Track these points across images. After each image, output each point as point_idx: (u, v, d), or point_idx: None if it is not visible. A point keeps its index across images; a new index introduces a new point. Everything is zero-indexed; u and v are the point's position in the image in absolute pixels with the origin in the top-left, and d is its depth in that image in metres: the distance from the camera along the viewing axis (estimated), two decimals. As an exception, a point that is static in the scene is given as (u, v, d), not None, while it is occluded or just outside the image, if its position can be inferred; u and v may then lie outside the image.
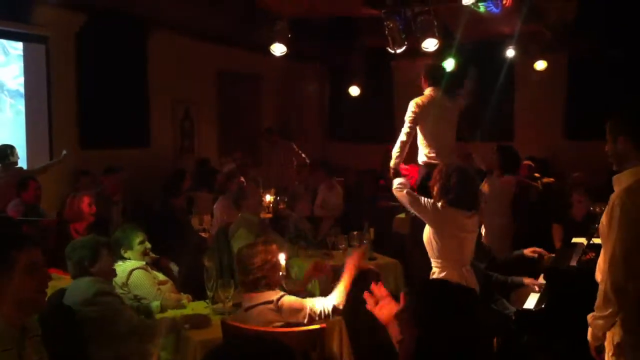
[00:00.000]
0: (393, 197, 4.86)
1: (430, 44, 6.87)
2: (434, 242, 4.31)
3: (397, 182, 4.55)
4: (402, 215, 7.76)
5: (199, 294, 4.63)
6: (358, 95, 10.59)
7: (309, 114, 13.16)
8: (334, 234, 6.25)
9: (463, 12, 7.53)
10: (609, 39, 9.41)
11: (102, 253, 3.86)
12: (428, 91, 6.24)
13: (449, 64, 9.50)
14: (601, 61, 9.94)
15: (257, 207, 6.03)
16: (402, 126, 6.32)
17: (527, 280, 4.92)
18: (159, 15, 8.76)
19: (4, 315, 2.51)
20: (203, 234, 7.20)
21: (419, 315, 2.14)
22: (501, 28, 9.06)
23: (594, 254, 4.56)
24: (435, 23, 6.81)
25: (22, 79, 8.00)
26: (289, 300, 3.65)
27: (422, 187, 5.60)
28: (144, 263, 4.58)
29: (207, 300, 4.38)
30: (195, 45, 9.94)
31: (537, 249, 5.30)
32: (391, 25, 6.90)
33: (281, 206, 7.78)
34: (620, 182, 3.13)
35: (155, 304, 4.34)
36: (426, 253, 4.43)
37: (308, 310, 3.63)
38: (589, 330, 3.21)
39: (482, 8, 7.14)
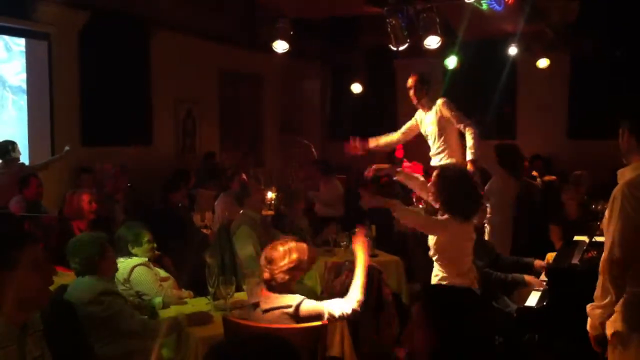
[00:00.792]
0: (394, 196, 4.87)
1: (432, 42, 6.86)
2: (443, 252, 4.26)
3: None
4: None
5: (200, 291, 4.64)
6: (360, 94, 10.58)
7: (311, 112, 13.16)
8: (335, 231, 6.25)
9: (465, 10, 7.53)
10: (611, 39, 9.42)
11: (108, 250, 3.89)
12: (425, 101, 6.36)
13: (452, 62, 9.51)
14: (603, 60, 9.94)
15: (260, 204, 6.03)
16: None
17: (528, 278, 4.90)
18: (162, 15, 8.77)
19: (5, 313, 2.51)
20: (205, 231, 7.20)
21: (432, 321, 2.15)
22: (504, 26, 9.06)
23: (595, 252, 4.57)
24: (438, 20, 6.81)
25: (24, 75, 8.00)
26: (308, 307, 3.53)
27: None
28: (146, 259, 4.58)
29: (209, 297, 4.38)
30: (197, 44, 9.94)
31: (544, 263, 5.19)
32: (393, 22, 6.90)
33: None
34: (624, 176, 3.17)
35: (158, 300, 4.34)
36: (427, 250, 4.42)
37: (327, 316, 3.52)
38: (589, 320, 3.23)
39: (484, 6, 7.13)
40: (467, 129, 6.16)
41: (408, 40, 7.04)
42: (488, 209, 6.69)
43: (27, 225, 6.02)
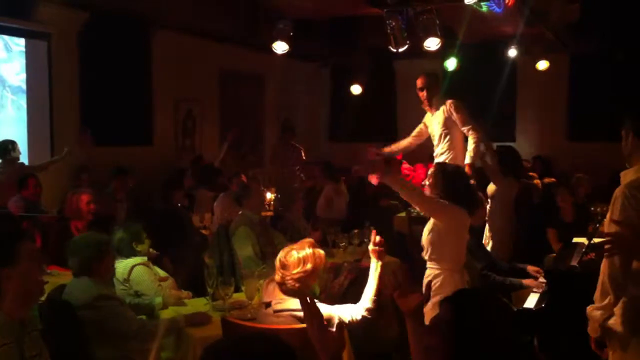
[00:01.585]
0: (394, 196, 4.86)
1: (432, 43, 6.87)
2: (440, 242, 4.22)
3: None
4: (403, 214, 7.77)
5: (199, 291, 4.64)
6: (360, 95, 10.59)
7: (311, 113, 13.17)
8: (335, 232, 6.25)
9: (465, 12, 7.53)
10: (611, 40, 9.42)
11: (108, 253, 3.87)
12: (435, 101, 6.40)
13: (451, 64, 9.51)
14: (603, 62, 9.95)
15: (259, 205, 6.04)
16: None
17: (526, 282, 4.90)
18: (162, 14, 8.77)
19: (4, 309, 2.52)
20: (204, 232, 7.21)
21: (458, 326, 2.15)
22: (503, 28, 9.06)
23: (594, 255, 4.57)
24: (438, 22, 6.81)
25: (24, 75, 7.99)
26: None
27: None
28: (146, 259, 4.58)
29: (207, 297, 4.38)
30: (197, 44, 9.94)
31: (539, 270, 5.13)
32: (393, 24, 6.91)
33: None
34: (626, 178, 3.17)
35: (158, 300, 4.34)
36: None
37: (336, 321, 3.46)
38: (589, 322, 3.23)
39: (484, 8, 7.14)
40: (470, 132, 6.18)
41: (408, 42, 7.05)
42: (487, 211, 6.70)
43: (25, 225, 6.03)
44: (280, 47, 7.20)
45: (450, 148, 6.43)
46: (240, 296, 4.41)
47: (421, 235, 4.44)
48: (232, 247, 5.55)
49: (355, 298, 3.72)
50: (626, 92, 9.60)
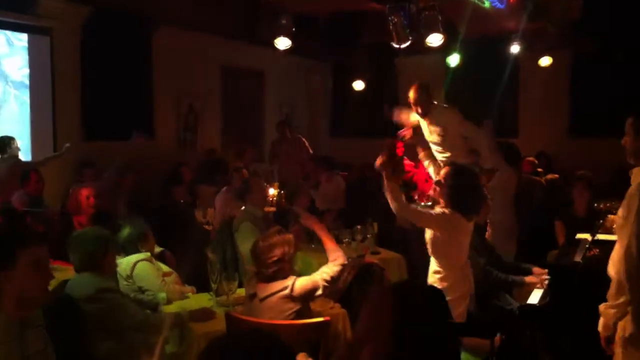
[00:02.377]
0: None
1: (435, 40, 6.86)
2: (439, 247, 4.19)
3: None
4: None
5: (202, 286, 4.64)
6: (361, 91, 10.57)
7: (312, 109, 13.16)
8: (337, 228, 6.25)
9: (468, 8, 7.52)
10: (613, 37, 9.40)
11: (110, 247, 3.85)
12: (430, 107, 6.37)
13: (454, 60, 9.50)
14: (605, 59, 9.94)
15: (262, 201, 6.04)
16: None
17: (529, 279, 4.89)
18: (164, 10, 8.75)
19: (4, 309, 2.51)
20: (206, 227, 7.21)
21: (394, 318, 2.12)
22: (506, 24, 9.05)
23: (598, 250, 4.57)
24: (440, 18, 6.80)
25: (26, 71, 7.99)
26: (302, 283, 3.70)
27: None
28: (149, 255, 4.58)
29: (211, 293, 4.39)
30: (199, 39, 9.93)
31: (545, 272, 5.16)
32: (395, 20, 6.89)
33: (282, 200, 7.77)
34: (638, 175, 3.15)
35: (162, 295, 4.35)
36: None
37: (321, 283, 3.71)
38: (600, 319, 3.21)
39: (487, 4, 7.13)
40: (480, 141, 6.19)
41: (410, 38, 7.03)
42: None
43: (28, 220, 6.03)
44: (282, 43, 7.18)
45: (451, 150, 6.40)
46: (243, 291, 4.42)
47: (423, 231, 4.43)
48: (235, 242, 5.56)
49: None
50: (628, 90, 9.60)
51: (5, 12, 7.38)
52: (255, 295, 3.75)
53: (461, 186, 4.12)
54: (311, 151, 10.34)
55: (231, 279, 4.22)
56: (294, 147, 10.44)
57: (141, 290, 4.41)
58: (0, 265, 2.51)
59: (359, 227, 6.05)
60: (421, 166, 7.63)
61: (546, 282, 4.72)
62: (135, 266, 4.44)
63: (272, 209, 7.50)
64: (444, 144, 6.30)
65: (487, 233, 6.10)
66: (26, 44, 7.97)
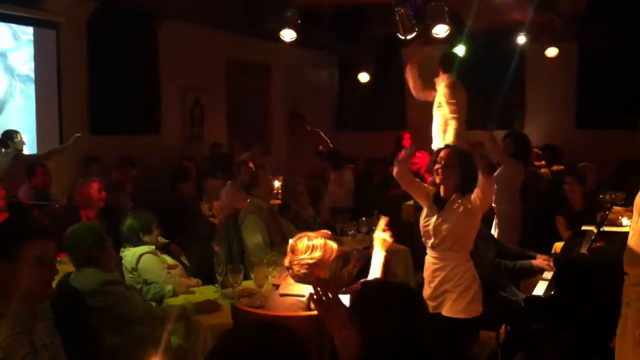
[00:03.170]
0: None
1: (441, 31, 6.83)
2: (454, 233, 4.14)
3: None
4: (411, 203, 7.76)
5: (208, 279, 4.65)
6: (367, 83, 10.56)
7: (318, 102, 13.15)
8: (343, 221, 6.25)
9: (474, -1, 7.51)
10: (620, 29, 9.36)
11: (106, 241, 3.82)
12: (448, 78, 6.40)
13: (460, 51, 9.46)
14: (612, 51, 9.90)
15: (268, 194, 6.04)
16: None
17: (536, 262, 4.89)
18: (169, 4, 8.76)
19: (13, 301, 2.52)
20: (212, 220, 7.22)
21: (362, 317, 2.11)
22: (512, 15, 9.01)
23: (603, 242, 4.56)
24: (446, 9, 6.77)
25: (32, 64, 8.00)
26: None
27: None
28: (154, 247, 4.59)
29: (217, 285, 4.40)
30: (205, 33, 9.93)
31: (548, 258, 5.06)
32: (401, 11, 6.86)
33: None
34: None
35: (169, 287, 4.36)
36: None
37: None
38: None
39: (493, -5, 7.11)
40: (453, 121, 6.36)
41: (416, 29, 7.00)
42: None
43: (35, 214, 6.05)
44: (288, 35, 7.16)
45: (442, 123, 6.50)
46: (249, 284, 4.43)
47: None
48: (241, 235, 5.56)
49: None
50: (634, 82, 9.56)
51: (12, 6, 7.38)
52: (277, 287, 3.67)
53: (465, 165, 4.12)
54: (331, 145, 10.31)
55: (237, 272, 4.21)
56: (306, 141, 10.43)
57: (146, 282, 4.43)
58: (1, 256, 2.52)
59: (364, 219, 6.05)
60: (424, 158, 7.64)
61: (552, 266, 4.71)
62: (140, 259, 4.44)
63: (278, 201, 7.50)
64: (439, 113, 6.52)
65: (493, 224, 6.11)
66: (32, 38, 7.98)
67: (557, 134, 10.64)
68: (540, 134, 10.28)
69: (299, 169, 9.81)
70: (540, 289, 4.51)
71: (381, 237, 3.79)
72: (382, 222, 3.75)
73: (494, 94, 10.04)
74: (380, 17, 8.52)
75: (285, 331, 1.77)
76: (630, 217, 5.07)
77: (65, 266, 4.41)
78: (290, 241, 3.62)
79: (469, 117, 6.80)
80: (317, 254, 3.50)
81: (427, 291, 4.34)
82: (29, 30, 7.94)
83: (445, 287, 4.21)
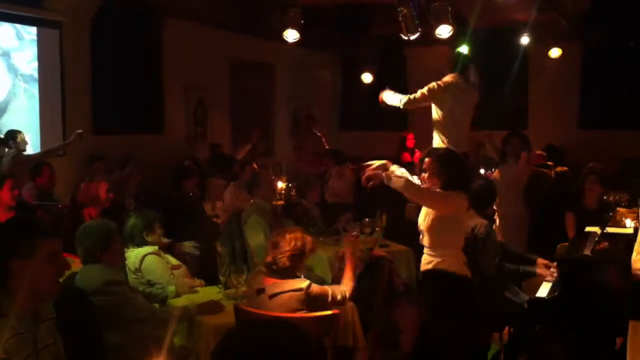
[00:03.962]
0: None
1: (444, 31, 6.81)
2: (441, 230, 4.16)
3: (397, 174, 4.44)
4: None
5: (211, 279, 4.65)
6: (370, 83, 10.54)
7: (321, 102, 13.14)
8: (346, 221, 6.24)
9: (478, -1, 7.50)
10: (624, 29, 9.34)
11: (113, 240, 3.84)
12: (448, 77, 6.36)
13: (463, 51, 9.44)
14: (616, 51, 9.88)
15: (271, 194, 6.06)
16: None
17: (540, 270, 4.88)
18: (173, 3, 8.77)
19: (17, 301, 2.52)
20: (216, 220, 7.22)
21: (427, 305, 2.11)
22: (516, 15, 8.99)
23: (607, 243, 4.55)
24: (450, 9, 6.76)
25: (36, 64, 8.01)
26: (317, 289, 3.78)
27: None
28: (157, 248, 4.60)
29: (220, 285, 4.40)
30: (208, 32, 9.94)
31: (549, 264, 5.03)
32: (405, 11, 6.84)
33: (292, 193, 7.77)
34: None
35: (171, 288, 4.36)
36: None
37: (331, 296, 3.82)
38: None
39: (496, -6, 7.09)
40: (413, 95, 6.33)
41: (419, 30, 6.99)
42: (497, 200, 6.67)
43: (39, 213, 6.06)
44: (291, 35, 7.15)
45: (435, 125, 6.47)
46: (252, 284, 4.43)
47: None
48: (244, 235, 5.57)
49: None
50: (638, 82, 9.54)
51: (15, 6, 7.40)
52: (262, 290, 3.72)
53: (446, 168, 4.14)
54: (327, 146, 10.32)
55: (240, 272, 4.21)
56: (313, 143, 10.44)
57: (150, 283, 4.43)
58: (19, 253, 2.53)
59: (367, 219, 6.04)
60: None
61: (555, 274, 4.69)
62: (144, 259, 4.45)
63: (281, 202, 7.52)
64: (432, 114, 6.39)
65: (494, 225, 6.09)
66: (36, 38, 7.99)
67: (560, 134, 10.62)
68: (543, 134, 10.25)
69: (300, 169, 9.81)
70: (544, 290, 4.51)
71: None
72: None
73: (497, 94, 10.02)
74: (383, 17, 8.51)
75: (289, 330, 1.77)
76: (634, 218, 5.07)
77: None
78: (270, 239, 3.91)
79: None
80: (299, 243, 3.76)
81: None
82: (33, 30, 7.95)
83: None
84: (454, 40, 7.94)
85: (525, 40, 9.46)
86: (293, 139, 10.91)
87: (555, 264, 4.77)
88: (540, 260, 5.01)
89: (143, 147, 8.66)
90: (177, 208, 6.61)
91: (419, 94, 6.34)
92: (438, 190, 4.13)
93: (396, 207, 7.69)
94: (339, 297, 3.86)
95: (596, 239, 4.74)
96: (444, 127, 6.33)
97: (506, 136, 6.84)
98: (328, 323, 3.54)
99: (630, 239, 4.12)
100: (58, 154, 7.42)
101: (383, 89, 6.69)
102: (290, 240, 3.75)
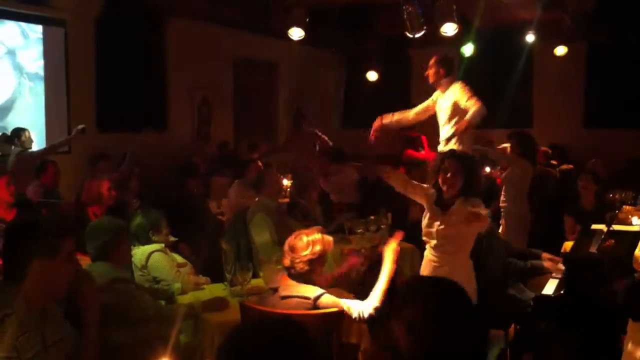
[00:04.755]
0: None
1: (449, 29, 6.81)
2: (454, 234, 4.15)
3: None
4: (419, 202, 7.74)
5: (217, 277, 4.66)
6: (375, 82, 10.54)
7: (326, 100, 13.14)
8: (351, 219, 6.24)
9: (482, -3, 7.49)
10: (628, 27, 9.33)
11: (123, 238, 3.86)
12: (444, 82, 6.25)
13: (468, 50, 9.45)
14: (621, 49, 9.86)
15: (277, 192, 6.04)
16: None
17: (547, 264, 4.88)
18: (177, 2, 8.79)
19: (25, 298, 2.53)
20: (221, 218, 7.23)
21: (423, 317, 2.06)
22: (521, 13, 8.99)
23: (613, 241, 4.54)
24: (455, 8, 6.75)
25: (41, 62, 8.03)
26: (328, 301, 3.51)
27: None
28: (163, 245, 4.60)
29: (225, 283, 4.41)
30: (212, 31, 9.94)
31: (555, 257, 5.05)
32: (409, 9, 6.85)
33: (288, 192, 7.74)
34: None
35: (177, 285, 4.37)
36: None
37: (345, 312, 3.52)
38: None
39: (501, -7, 7.09)
40: (473, 102, 5.94)
41: (424, 28, 6.98)
42: (502, 198, 6.67)
43: (44, 212, 6.06)
44: (295, 33, 7.15)
45: (455, 133, 6.33)
46: (258, 282, 4.43)
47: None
48: (249, 233, 5.57)
49: (372, 284, 3.73)
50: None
51: (20, 4, 7.42)
52: (277, 290, 3.64)
53: (469, 172, 4.11)
54: (330, 143, 10.30)
55: (245, 270, 4.22)
56: (307, 141, 10.41)
57: (156, 280, 4.44)
58: (46, 254, 2.54)
59: (372, 217, 6.04)
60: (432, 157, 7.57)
61: (561, 267, 4.69)
62: (150, 257, 4.46)
63: (286, 200, 7.51)
64: (451, 123, 6.11)
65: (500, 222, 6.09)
66: (41, 36, 8.01)
67: (565, 133, 10.62)
68: (548, 133, 10.24)
69: (299, 168, 9.80)
70: (550, 288, 4.49)
71: (392, 248, 3.80)
72: (399, 237, 3.78)
73: (501, 92, 10.02)
74: (388, 16, 8.51)
75: (294, 327, 1.77)
76: (640, 217, 5.07)
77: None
78: (287, 241, 3.63)
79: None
80: (318, 248, 3.54)
81: None
82: (38, 28, 7.97)
83: None
84: (459, 39, 7.94)
85: (530, 38, 9.45)
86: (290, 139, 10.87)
87: (560, 259, 4.77)
88: (545, 255, 5.02)
89: (147, 145, 8.66)
90: (181, 205, 6.62)
91: (478, 106, 6.11)
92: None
93: (401, 205, 7.70)
94: (354, 315, 3.50)
95: (602, 236, 4.73)
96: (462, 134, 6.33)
97: (508, 136, 6.84)
98: (333, 321, 3.53)
99: (636, 237, 4.11)
100: (62, 150, 7.39)
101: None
102: (309, 244, 3.53)
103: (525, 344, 4.77)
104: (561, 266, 4.69)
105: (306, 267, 3.53)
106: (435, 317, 2.01)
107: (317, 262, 3.55)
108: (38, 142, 7.62)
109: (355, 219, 6.22)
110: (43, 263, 2.53)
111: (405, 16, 6.87)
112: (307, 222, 6.06)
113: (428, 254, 4.34)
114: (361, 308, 3.53)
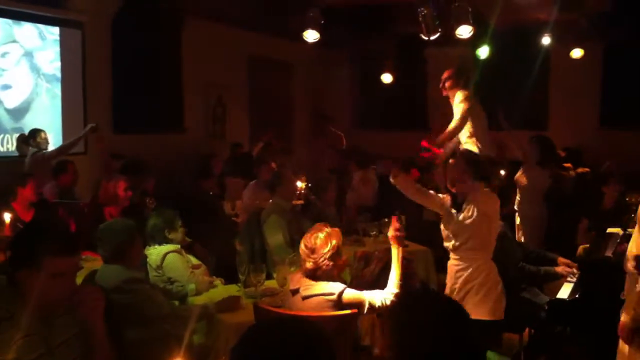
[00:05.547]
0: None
1: (464, 31, 6.78)
2: (474, 232, 4.21)
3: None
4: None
5: (231, 278, 4.67)
6: (390, 83, 10.52)
7: (341, 101, 13.14)
8: (365, 221, 6.24)
9: (498, -1, 7.47)
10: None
11: (135, 239, 3.88)
12: (463, 93, 6.36)
13: (484, 52, 9.40)
14: (638, 50, 9.77)
15: (292, 194, 6.05)
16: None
17: (559, 269, 4.85)
18: (193, 3, 8.82)
19: (27, 304, 2.52)
20: (235, 219, 7.24)
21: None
22: (537, 15, 8.93)
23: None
24: (470, 9, 6.73)
25: (58, 64, 8.08)
26: (351, 295, 3.55)
27: None
28: (179, 246, 4.62)
29: (239, 284, 4.42)
30: (227, 31, 9.98)
31: (570, 263, 5.02)
32: (425, 11, 6.82)
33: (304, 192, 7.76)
34: None
35: (191, 286, 4.38)
36: None
37: (367, 305, 3.55)
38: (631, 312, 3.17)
39: (518, -6, 7.05)
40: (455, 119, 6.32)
41: (440, 30, 6.96)
42: (517, 200, 6.64)
43: (60, 212, 6.10)
44: (311, 35, 7.14)
45: (471, 135, 6.41)
46: (271, 283, 4.44)
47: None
48: (263, 234, 5.58)
49: (386, 285, 3.73)
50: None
51: (38, 6, 7.49)
52: (297, 291, 3.63)
53: (474, 165, 4.23)
54: (344, 143, 10.34)
55: (259, 271, 4.24)
56: (329, 142, 10.47)
57: (170, 281, 4.46)
58: (26, 265, 2.52)
59: (386, 220, 6.03)
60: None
61: (575, 273, 4.67)
62: (165, 257, 4.48)
63: (300, 201, 7.52)
64: (467, 127, 6.41)
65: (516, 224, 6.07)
66: (58, 38, 8.06)
67: (581, 134, 10.53)
68: (564, 134, 10.17)
69: (320, 167, 9.82)
70: (565, 292, 4.48)
71: (391, 234, 3.81)
72: (394, 221, 3.78)
73: (517, 94, 9.97)
74: (403, 17, 8.50)
75: (308, 329, 1.77)
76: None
77: (89, 263, 4.48)
78: (303, 245, 3.63)
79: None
80: (334, 241, 3.58)
81: (448, 292, 4.34)
82: (55, 30, 8.03)
83: (469, 286, 4.22)
84: (474, 41, 7.92)
85: (546, 40, 9.39)
86: (312, 139, 10.93)
87: (575, 264, 4.75)
88: (561, 260, 4.99)
89: (163, 146, 8.71)
90: (195, 206, 6.64)
91: (460, 119, 6.30)
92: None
93: (415, 207, 7.67)
94: (377, 305, 3.56)
95: (618, 240, 4.70)
96: (480, 136, 6.39)
97: (529, 140, 6.83)
98: (346, 322, 3.53)
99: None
100: (75, 149, 7.44)
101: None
102: (327, 240, 3.55)
103: (540, 348, 4.75)
104: (575, 271, 4.66)
105: (330, 263, 3.55)
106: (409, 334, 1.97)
107: (337, 254, 3.58)
108: (55, 143, 7.66)
109: (369, 221, 6.22)
110: (26, 274, 2.52)
111: (420, 18, 6.84)
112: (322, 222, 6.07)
113: (452, 263, 4.36)
114: (383, 297, 3.59)
